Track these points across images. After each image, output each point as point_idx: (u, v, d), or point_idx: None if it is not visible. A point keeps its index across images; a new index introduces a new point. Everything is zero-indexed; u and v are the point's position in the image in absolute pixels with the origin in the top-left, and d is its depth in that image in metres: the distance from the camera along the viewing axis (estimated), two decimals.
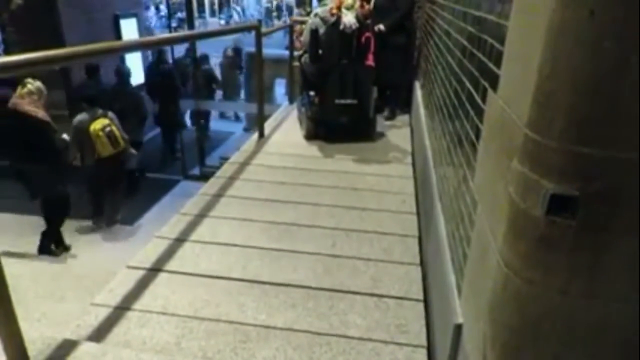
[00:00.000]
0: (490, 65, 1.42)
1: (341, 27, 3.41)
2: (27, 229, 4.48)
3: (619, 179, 0.79)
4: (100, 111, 4.60)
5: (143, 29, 8.73)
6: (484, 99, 1.44)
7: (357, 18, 3.45)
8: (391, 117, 4.55)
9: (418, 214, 2.70)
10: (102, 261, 4.23)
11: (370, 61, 3.68)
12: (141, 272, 2.11)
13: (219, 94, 9.44)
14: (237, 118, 10.48)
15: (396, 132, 4.21)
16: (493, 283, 0.99)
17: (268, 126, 4.45)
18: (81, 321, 1.79)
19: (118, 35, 7.53)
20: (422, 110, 3.57)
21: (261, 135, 3.99)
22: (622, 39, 0.72)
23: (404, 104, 4.70)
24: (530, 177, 0.86)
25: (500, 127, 1.14)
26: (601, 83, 0.75)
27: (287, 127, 4.42)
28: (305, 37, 3.71)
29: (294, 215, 2.65)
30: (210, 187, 2.99)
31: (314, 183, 3.07)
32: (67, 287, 3.23)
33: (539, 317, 0.90)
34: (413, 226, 2.55)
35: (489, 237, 1.10)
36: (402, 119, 4.63)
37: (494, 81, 1.31)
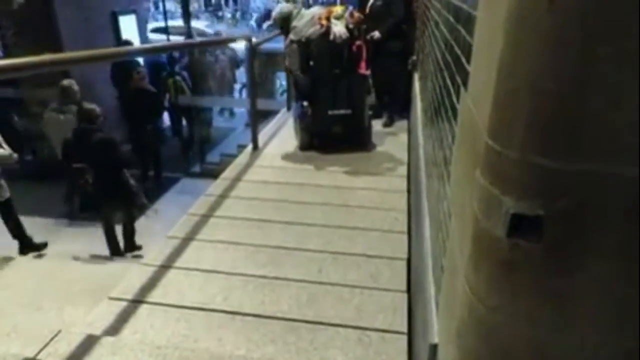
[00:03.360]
0: (463, 59, 1.36)
1: (331, 37, 3.33)
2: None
3: (587, 195, 0.69)
4: (174, 71, 7.29)
5: (143, 25, 8.65)
6: (458, 97, 1.39)
7: (347, 27, 3.37)
8: (389, 123, 4.47)
9: (409, 232, 2.63)
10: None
11: (362, 69, 3.60)
12: (122, 304, 2.08)
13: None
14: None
15: (393, 140, 4.13)
16: (460, 306, 0.93)
17: (264, 135, 4.42)
18: (52, 348, 1.78)
19: (117, 33, 7.47)
20: (418, 104, 3.49)
21: (255, 147, 3.94)
22: (586, 27, 0.62)
23: (403, 109, 4.61)
24: (491, 193, 0.77)
25: (468, 131, 1.07)
26: (564, 81, 0.65)
27: (282, 136, 4.36)
28: (290, 61, 3.59)
29: (282, 237, 2.60)
30: (199, 206, 2.96)
31: (305, 200, 3.02)
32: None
33: (507, 347, 0.83)
34: (402, 247, 2.48)
35: (457, 255, 1.03)
36: (401, 124, 4.55)
37: (465, 78, 1.24)
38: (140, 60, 6.81)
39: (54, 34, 6.27)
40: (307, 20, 3.40)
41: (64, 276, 3.55)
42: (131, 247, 4.52)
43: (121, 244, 4.51)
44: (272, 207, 2.94)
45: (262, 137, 4.30)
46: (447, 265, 1.24)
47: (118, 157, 4.07)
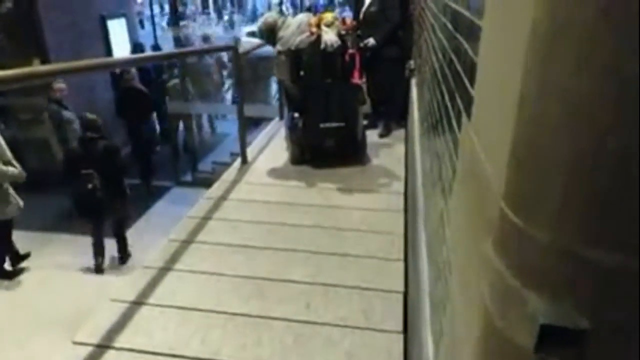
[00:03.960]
0: (464, 79, 1.14)
1: (322, 46, 3.12)
2: None
3: None
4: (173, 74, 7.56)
5: (134, 28, 8.40)
6: (459, 123, 1.18)
7: (339, 35, 3.16)
8: (385, 133, 4.26)
9: (406, 259, 2.43)
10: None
11: (356, 79, 3.39)
12: (87, 349, 1.87)
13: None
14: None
15: (389, 152, 3.92)
16: None
17: (255, 146, 4.22)
18: None
19: (106, 38, 7.27)
20: (415, 113, 3.29)
21: (244, 161, 3.73)
22: None
23: (400, 118, 4.40)
24: (508, 282, 0.56)
25: (472, 172, 0.85)
26: (629, 127, 0.42)
27: (274, 148, 4.15)
28: (279, 71, 3.39)
29: (268, 266, 2.39)
30: (180, 230, 2.75)
31: (295, 222, 2.81)
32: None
33: None
34: (399, 277, 2.28)
35: (460, 329, 0.83)
36: (398, 134, 4.34)
37: (467, 104, 1.03)
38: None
39: (38, 39, 6.05)
40: (294, 29, 3.19)
41: (37, 301, 3.35)
42: (125, 259, 4.67)
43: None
44: (259, 231, 2.74)
45: (252, 149, 4.10)
46: (447, 332, 1.04)
47: (120, 165, 4.31)
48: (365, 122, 4.13)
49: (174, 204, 6.28)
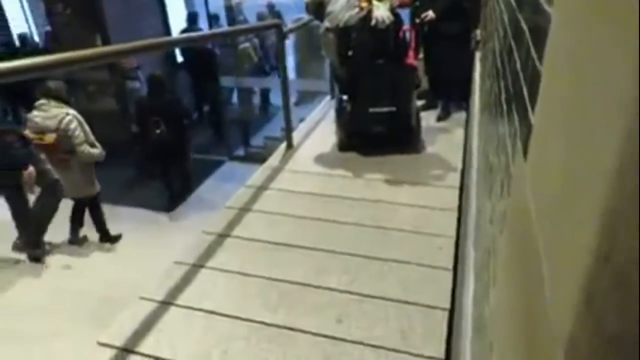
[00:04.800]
0: (524, 89, 0.84)
1: (373, 22, 2.82)
2: None
3: None
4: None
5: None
6: (514, 148, 0.91)
7: (392, 10, 2.83)
8: (444, 116, 3.89)
9: (455, 268, 2.17)
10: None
11: (410, 59, 3.06)
12: (111, 353, 1.82)
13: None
14: None
15: (446, 139, 3.57)
16: None
17: (304, 127, 4.05)
18: None
19: (162, 9, 7.24)
20: (477, 96, 2.93)
21: (289, 145, 3.55)
22: None
23: (462, 99, 3.99)
24: None
25: (523, 242, 0.62)
26: None
27: (324, 129, 3.93)
28: (327, 50, 3.13)
29: (302, 269, 2.23)
30: (216, 222, 2.64)
31: (336, 218, 2.61)
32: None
33: None
34: (444, 291, 2.03)
35: None
36: (458, 117, 3.95)
37: (525, 130, 0.75)
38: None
39: (97, 12, 6.16)
40: (343, 3, 2.91)
41: (74, 286, 3.33)
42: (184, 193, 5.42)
43: None
44: (297, 227, 2.57)
45: (300, 131, 3.92)
46: None
47: (183, 111, 5.06)
48: (421, 103, 3.81)
49: (226, 180, 6.28)
